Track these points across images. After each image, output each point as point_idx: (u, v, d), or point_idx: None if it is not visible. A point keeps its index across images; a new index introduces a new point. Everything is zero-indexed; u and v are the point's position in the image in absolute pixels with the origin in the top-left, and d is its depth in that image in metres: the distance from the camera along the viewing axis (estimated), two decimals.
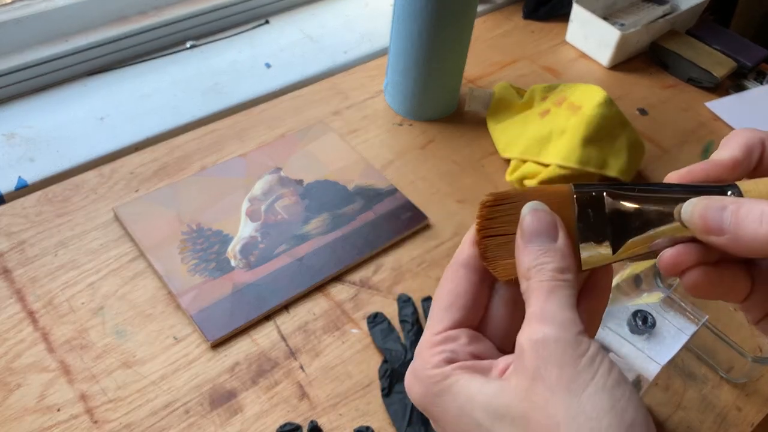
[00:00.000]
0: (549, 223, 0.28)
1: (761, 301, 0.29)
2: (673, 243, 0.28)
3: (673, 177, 0.30)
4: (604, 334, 0.48)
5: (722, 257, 0.28)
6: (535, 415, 0.24)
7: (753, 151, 0.29)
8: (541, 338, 0.25)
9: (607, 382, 0.24)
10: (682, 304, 0.57)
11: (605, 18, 0.95)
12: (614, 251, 0.28)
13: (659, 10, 0.99)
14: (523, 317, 0.27)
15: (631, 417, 0.23)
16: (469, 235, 0.30)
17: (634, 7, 1.01)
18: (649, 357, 0.46)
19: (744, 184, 0.28)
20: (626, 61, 0.96)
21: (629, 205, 0.29)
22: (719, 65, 0.92)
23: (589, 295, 0.29)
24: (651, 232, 0.28)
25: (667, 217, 0.28)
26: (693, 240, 0.28)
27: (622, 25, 0.97)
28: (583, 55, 0.96)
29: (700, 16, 1.01)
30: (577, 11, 0.94)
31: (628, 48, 0.93)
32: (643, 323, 0.47)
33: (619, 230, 0.29)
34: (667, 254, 0.29)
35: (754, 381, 0.59)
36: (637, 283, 0.59)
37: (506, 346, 0.29)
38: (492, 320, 0.29)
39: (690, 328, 0.48)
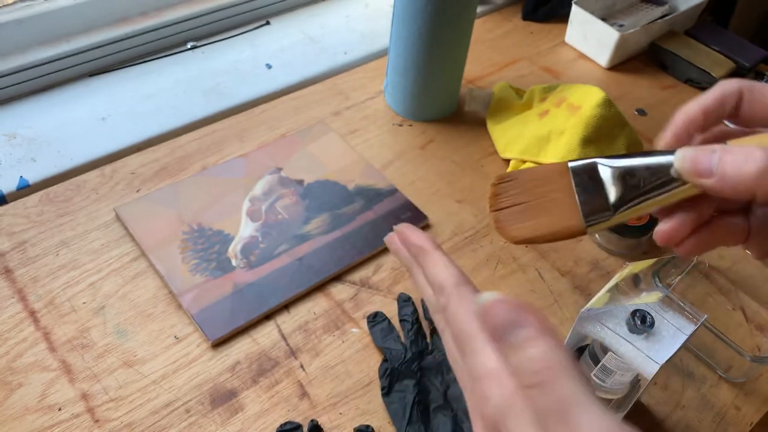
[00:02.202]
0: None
1: (760, 242, 0.32)
2: (670, 198, 0.30)
3: (661, 144, 0.32)
4: (603, 333, 0.48)
5: (717, 210, 0.31)
6: None
7: (726, 100, 0.31)
8: None
9: None
10: (681, 304, 0.58)
11: (604, 19, 0.96)
12: (615, 211, 0.30)
13: (658, 10, 1.00)
14: None
15: None
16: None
17: (633, 8, 1.02)
18: (647, 356, 0.46)
19: (732, 141, 0.30)
20: (625, 62, 0.96)
21: (622, 167, 0.31)
22: (718, 66, 0.92)
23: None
24: (646, 189, 0.30)
25: (660, 174, 0.30)
26: (686, 203, 0.30)
27: (621, 25, 0.98)
28: (582, 56, 0.96)
29: (699, 17, 1.02)
30: (576, 12, 0.95)
31: (627, 48, 0.93)
32: (641, 323, 0.47)
33: (616, 192, 0.31)
34: (662, 229, 0.31)
35: (752, 380, 0.60)
36: (636, 282, 0.60)
37: None
38: None
39: (689, 328, 0.48)
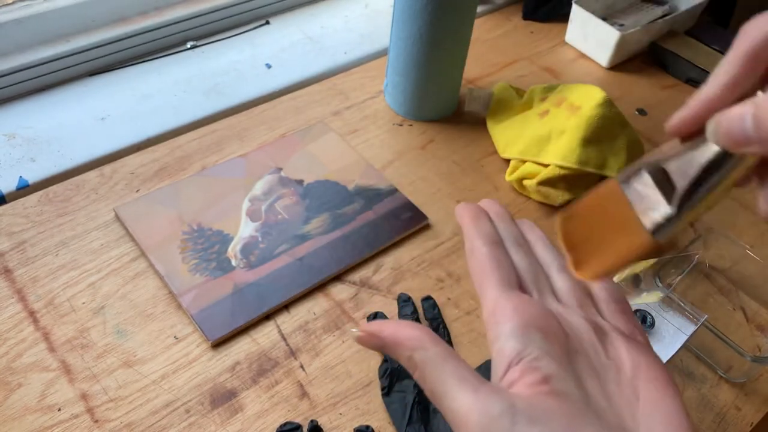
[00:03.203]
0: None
1: None
2: (727, 171, 0.26)
3: (675, 122, 0.28)
4: None
5: None
6: None
7: (759, 58, 0.25)
8: None
9: None
10: (681, 304, 0.58)
11: (604, 18, 0.96)
12: (679, 209, 0.28)
13: (658, 10, 1.00)
14: None
15: None
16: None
17: (634, 8, 1.01)
18: None
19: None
20: (625, 62, 0.96)
21: (667, 163, 0.28)
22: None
23: None
24: (697, 174, 0.27)
25: (704, 153, 0.27)
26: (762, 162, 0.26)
27: (622, 25, 0.98)
28: (583, 56, 0.96)
29: (699, 17, 1.02)
30: (576, 12, 0.95)
31: (627, 48, 0.93)
32: (642, 323, 0.47)
33: (670, 190, 0.28)
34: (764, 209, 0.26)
35: (753, 380, 0.60)
36: (636, 282, 0.59)
37: None
38: None
39: (689, 328, 0.48)
